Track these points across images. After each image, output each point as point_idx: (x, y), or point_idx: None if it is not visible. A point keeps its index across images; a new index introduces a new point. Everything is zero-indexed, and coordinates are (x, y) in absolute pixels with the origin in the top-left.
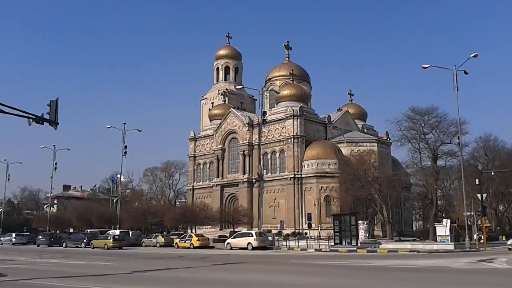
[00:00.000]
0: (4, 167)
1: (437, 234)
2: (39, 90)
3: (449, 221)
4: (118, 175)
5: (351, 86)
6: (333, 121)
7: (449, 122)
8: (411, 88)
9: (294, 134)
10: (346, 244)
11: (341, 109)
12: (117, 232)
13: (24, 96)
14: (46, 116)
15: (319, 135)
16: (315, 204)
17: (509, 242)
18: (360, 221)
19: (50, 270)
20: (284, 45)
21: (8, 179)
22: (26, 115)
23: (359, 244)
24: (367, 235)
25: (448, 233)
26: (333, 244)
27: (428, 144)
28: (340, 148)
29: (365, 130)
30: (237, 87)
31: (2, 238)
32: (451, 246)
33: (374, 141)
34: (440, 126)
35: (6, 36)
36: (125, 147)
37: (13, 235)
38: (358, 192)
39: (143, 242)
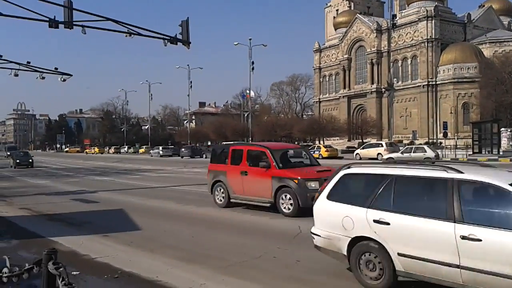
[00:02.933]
0: (146, 88)
1: None
2: (169, 12)
3: None
4: (247, 91)
5: None
6: (473, 19)
7: None
8: None
9: (428, 37)
10: (486, 153)
11: (484, 5)
12: None
13: (157, 18)
14: (179, 37)
15: (457, 36)
16: (451, 112)
17: None
18: (502, 129)
19: (195, 178)
20: None
21: (151, 98)
22: (162, 36)
23: (501, 153)
24: (511, 143)
25: None
26: (471, 153)
27: None
28: (482, 49)
29: None
30: None
31: (151, 151)
32: None
33: None
34: None
35: None
36: (252, 63)
37: (160, 148)
38: (502, 97)
39: None
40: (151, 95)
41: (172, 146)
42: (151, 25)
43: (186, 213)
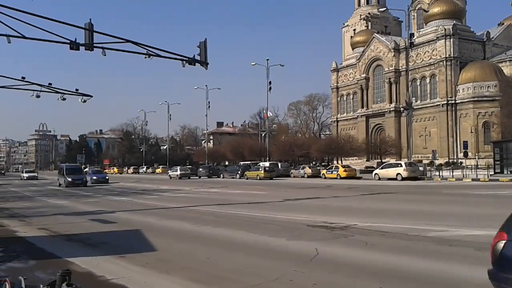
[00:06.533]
0: (165, 108)
1: None
2: (187, 33)
3: None
4: (265, 111)
5: None
6: (492, 37)
7: None
8: None
9: (447, 56)
10: (509, 173)
11: (503, 23)
12: (267, 164)
13: (175, 40)
14: (197, 58)
15: (476, 55)
16: (471, 132)
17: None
18: None
19: (212, 198)
20: None
21: (170, 118)
22: (180, 57)
23: None
24: None
25: None
26: (492, 173)
27: None
28: (502, 68)
29: None
30: (381, 9)
31: (169, 172)
32: None
33: None
34: None
35: None
36: (270, 82)
37: (178, 168)
38: None
39: (291, 173)
40: (170, 115)
41: (190, 166)
42: (169, 47)
43: (202, 233)
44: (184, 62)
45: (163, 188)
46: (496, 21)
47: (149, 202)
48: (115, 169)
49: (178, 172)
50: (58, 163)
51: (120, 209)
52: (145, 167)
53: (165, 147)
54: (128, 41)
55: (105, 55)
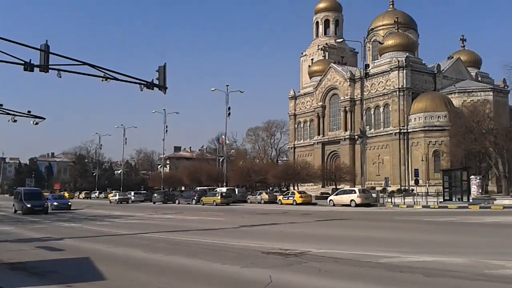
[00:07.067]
0: (121, 132)
1: None
2: (147, 57)
3: None
4: (223, 136)
5: (463, 31)
6: (443, 70)
7: None
8: None
9: (400, 86)
10: (457, 200)
11: (452, 57)
12: (224, 189)
13: (134, 64)
14: (156, 82)
15: (427, 86)
16: (422, 160)
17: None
18: (472, 176)
19: (166, 225)
20: None
21: (126, 142)
22: (138, 81)
23: (470, 200)
24: (480, 191)
25: None
26: (442, 200)
27: None
28: (451, 99)
29: (479, 78)
30: (338, 40)
31: (110, 197)
32: None
33: (490, 89)
34: None
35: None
36: (229, 108)
37: (132, 193)
38: (471, 145)
39: (248, 198)
40: (126, 139)
41: (145, 191)
42: (128, 70)
43: (154, 261)
44: (142, 86)
45: (115, 214)
46: (446, 54)
47: (100, 229)
48: (66, 194)
49: (117, 197)
50: (5, 187)
51: (69, 236)
52: (97, 192)
53: (119, 171)
54: (85, 63)
55: (60, 77)
